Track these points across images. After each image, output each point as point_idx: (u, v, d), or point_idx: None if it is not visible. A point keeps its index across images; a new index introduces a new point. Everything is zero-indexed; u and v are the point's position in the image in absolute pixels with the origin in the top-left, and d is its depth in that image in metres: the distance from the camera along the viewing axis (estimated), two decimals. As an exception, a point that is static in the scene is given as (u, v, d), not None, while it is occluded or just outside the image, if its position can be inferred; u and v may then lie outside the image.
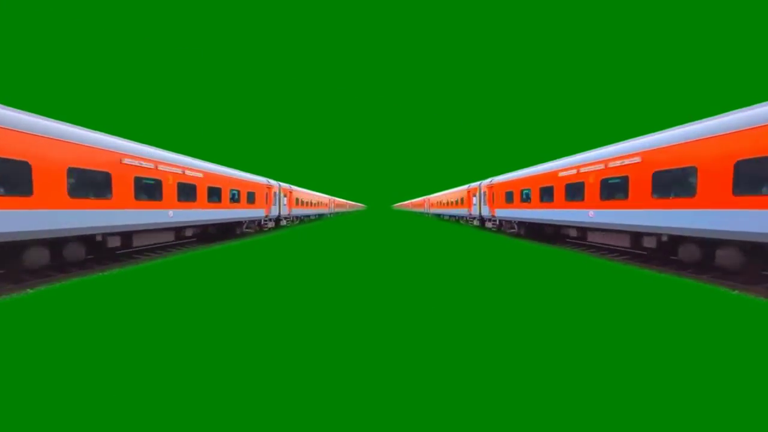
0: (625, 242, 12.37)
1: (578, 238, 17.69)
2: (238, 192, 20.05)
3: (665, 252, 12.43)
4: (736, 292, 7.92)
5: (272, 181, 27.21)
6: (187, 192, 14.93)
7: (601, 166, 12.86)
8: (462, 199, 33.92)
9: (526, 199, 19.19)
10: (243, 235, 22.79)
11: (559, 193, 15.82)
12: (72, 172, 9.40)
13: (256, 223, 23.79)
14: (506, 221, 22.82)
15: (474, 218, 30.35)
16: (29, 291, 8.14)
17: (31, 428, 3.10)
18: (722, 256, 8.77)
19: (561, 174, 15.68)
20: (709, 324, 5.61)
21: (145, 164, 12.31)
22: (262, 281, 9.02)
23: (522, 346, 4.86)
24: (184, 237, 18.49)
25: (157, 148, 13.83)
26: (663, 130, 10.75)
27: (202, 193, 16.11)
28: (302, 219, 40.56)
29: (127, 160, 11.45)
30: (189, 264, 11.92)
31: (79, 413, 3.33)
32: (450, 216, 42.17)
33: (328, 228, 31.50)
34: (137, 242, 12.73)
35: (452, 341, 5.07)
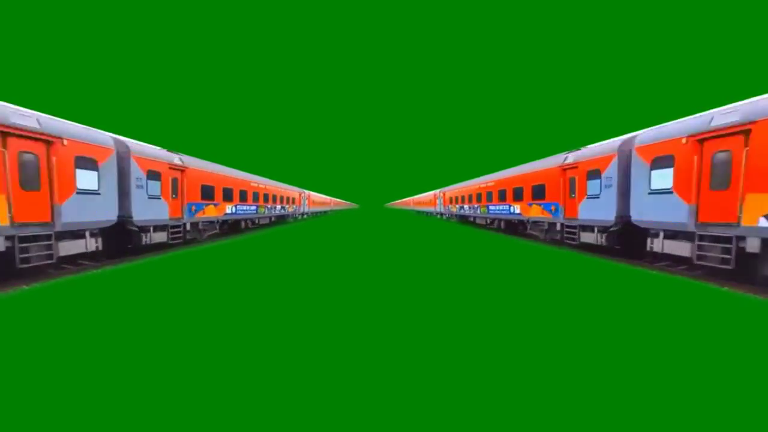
0: None
1: None
2: None
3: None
4: (725, 289, 7.75)
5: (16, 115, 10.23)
6: None
7: None
8: (537, 189, 17.42)
9: None
10: None
11: None
12: None
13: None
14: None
15: (590, 225, 13.43)
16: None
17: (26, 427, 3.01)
18: None
19: None
20: (700, 320, 5.64)
21: None
22: None
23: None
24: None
25: None
26: None
27: None
28: (243, 227, 23.25)
29: None
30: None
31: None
32: (494, 219, 25.19)
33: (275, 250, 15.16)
34: None
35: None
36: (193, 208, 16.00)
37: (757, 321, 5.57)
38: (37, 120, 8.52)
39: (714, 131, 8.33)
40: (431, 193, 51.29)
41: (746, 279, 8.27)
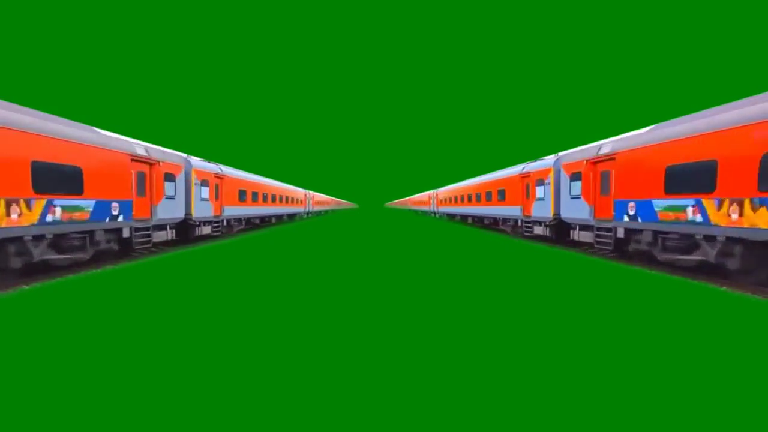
0: None
1: None
2: None
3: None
4: (723, 288, 7.67)
5: None
6: None
7: None
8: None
9: None
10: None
11: None
12: None
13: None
14: None
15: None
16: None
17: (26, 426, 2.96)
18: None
19: None
20: (699, 320, 5.55)
21: None
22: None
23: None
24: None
25: None
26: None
27: None
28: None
29: None
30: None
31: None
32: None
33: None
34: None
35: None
36: None
37: (756, 321, 5.47)
38: (146, 149, 12.31)
39: (598, 158, 11.54)
40: (483, 179, 24.58)
41: (744, 279, 8.01)
